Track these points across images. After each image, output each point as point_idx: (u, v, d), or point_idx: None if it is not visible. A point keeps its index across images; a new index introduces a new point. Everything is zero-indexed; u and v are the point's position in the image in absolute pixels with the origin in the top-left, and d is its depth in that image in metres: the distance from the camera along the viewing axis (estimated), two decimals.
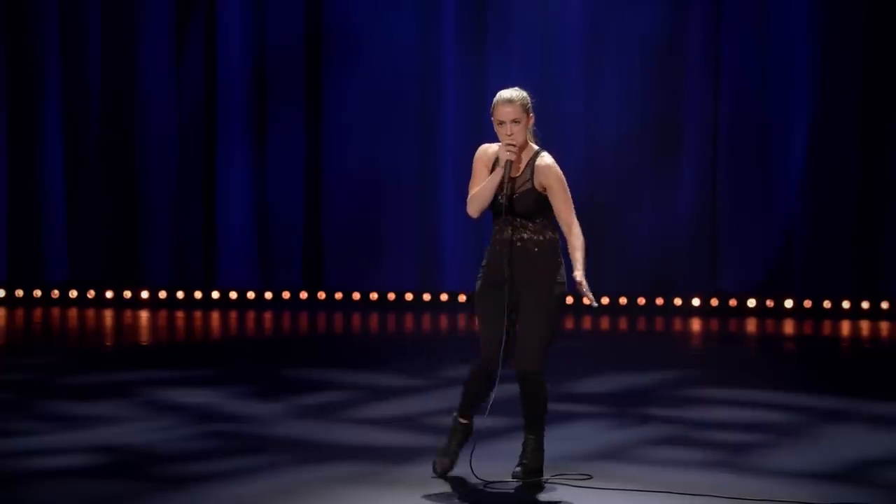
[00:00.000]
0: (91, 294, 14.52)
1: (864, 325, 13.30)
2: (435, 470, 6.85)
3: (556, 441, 7.21)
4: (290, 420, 8.41)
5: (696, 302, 13.98)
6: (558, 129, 13.81)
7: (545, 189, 6.68)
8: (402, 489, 6.64)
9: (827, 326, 13.25)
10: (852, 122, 13.70)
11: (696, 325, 13.41)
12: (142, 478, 6.90)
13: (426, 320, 13.59)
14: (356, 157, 14.32)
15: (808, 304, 13.89)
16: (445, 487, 6.67)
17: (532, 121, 6.73)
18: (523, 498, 6.52)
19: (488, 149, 6.82)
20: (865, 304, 13.79)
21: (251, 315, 13.86)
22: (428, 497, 6.50)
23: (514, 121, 6.66)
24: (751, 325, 13.36)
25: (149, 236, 14.47)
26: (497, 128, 6.70)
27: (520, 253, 6.69)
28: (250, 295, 14.52)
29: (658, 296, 14.06)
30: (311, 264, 14.48)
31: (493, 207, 6.73)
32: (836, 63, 13.69)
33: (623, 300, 14.11)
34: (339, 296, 14.47)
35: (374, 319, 13.66)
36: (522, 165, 6.73)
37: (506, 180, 6.67)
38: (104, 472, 7.06)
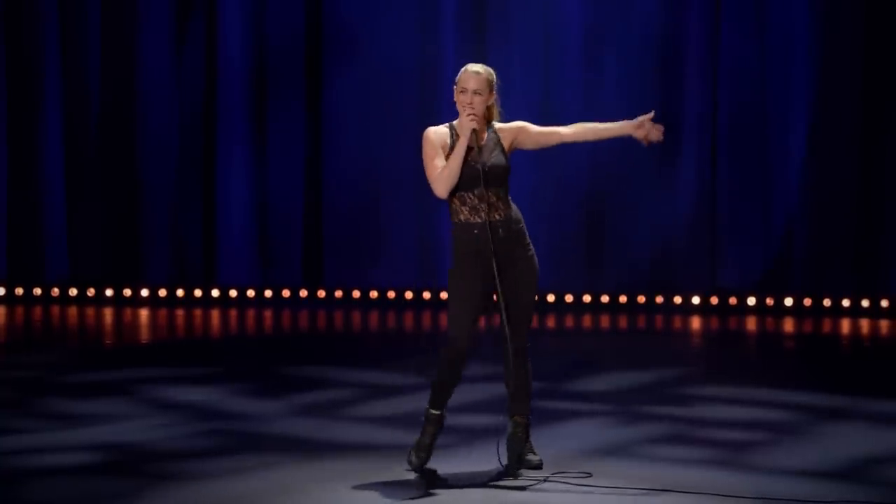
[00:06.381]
0: (91, 292, 14.53)
1: (864, 323, 13.29)
2: (411, 463, 6.84)
3: (556, 439, 7.21)
4: (289, 418, 8.41)
5: (695, 300, 13.98)
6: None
7: (514, 148, 6.81)
8: (400, 487, 6.64)
9: (827, 324, 13.24)
10: (852, 119, 13.69)
11: (695, 323, 13.40)
12: (141, 475, 6.90)
13: (426, 318, 13.58)
14: (356, 155, 14.32)
15: (808, 302, 13.88)
16: (444, 485, 6.66)
17: (493, 99, 6.75)
18: (523, 497, 6.51)
19: (438, 130, 6.79)
20: (865, 302, 13.78)
21: (251, 313, 13.86)
22: (427, 495, 6.50)
23: (477, 92, 6.69)
24: (751, 323, 13.35)
25: (149, 234, 14.47)
26: (458, 96, 6.70)
27: (504, 231, 6.69)
28: (250, 293, 14.52)
29: (658, 294, 14.05)
30: (311, 262, 14.47)
31: (469, 180, 6.66)
32: (835, 59, 13.67)
33: (623, 298, 14.09)
34: (339, 294, 14.46)
35: (373, 317, 13.65)
36: (483, 140, 6.73)
37: (476, 149, 6.66)
38: (103, 470, 7.06)
